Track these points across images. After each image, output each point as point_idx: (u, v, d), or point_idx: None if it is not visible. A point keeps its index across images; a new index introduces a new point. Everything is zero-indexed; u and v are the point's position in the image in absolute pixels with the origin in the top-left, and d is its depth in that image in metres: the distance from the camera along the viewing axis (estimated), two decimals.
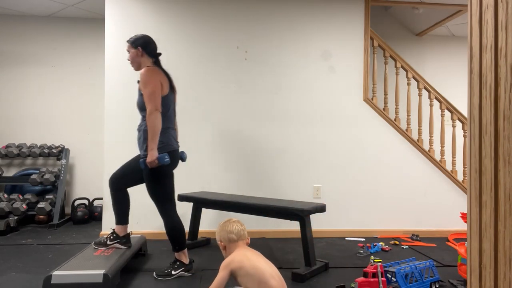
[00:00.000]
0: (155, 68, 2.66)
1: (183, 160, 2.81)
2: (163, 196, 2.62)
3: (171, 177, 2.67)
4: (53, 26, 4.79)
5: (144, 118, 2.63)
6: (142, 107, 2.61)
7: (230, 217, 2.17)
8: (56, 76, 4.80)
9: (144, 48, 2.67)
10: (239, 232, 2.05)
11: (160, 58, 2.76)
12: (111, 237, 2.73)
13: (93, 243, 2.75)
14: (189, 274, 2.66)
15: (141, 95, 2.60)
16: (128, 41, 2.70)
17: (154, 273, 2.64)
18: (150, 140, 2.48)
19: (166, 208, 2.62)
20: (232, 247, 2.02)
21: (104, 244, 2.71)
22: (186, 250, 2.69)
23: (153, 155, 2.47)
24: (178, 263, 2.65)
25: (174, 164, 2.68)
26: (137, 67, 2.70)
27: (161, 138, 2.55)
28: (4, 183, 4.51)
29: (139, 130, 2.68)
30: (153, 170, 2.54)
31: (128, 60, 2.71)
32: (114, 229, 2.77)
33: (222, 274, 1.92)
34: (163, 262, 2.94)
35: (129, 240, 2.78)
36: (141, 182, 2.74)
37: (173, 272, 2.61)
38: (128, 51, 2.70)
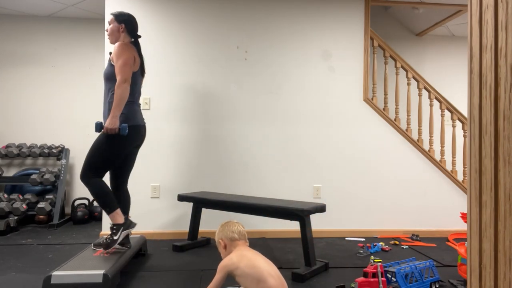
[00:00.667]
0: (130, 44, 2.72)
1: (143, 136, 2.79)
2: (99, 162, 2.59)
3: (120, 150, 2.63)
4: (53, 26, 4.79)
5: (110, 89, 2.65)
6: (109, 77, 2.64)
7: (230, 219, 2.19)
8: (56, 76, 4.80)
9: (126, 25, 2.73)
10: (241, 232, 2.09)
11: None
12: (114, 230, 2.64)
13: (92, 245, 2.69)
14: (130, 230, 2.65)
15: (110, 65, 2.64)
16: (112, 14, 2.74)
17: (92, 244, 2.64)
18: (114, 107, 2.50)
19: (90, 172, 2.58)
20: (232, 246, 2.04)
21: (112, 241, 2.58)
22: (118, 210, 2.63)
23: (115, 122, 2.49)
24: (115, 226, 2.61)
25: (136, 139, 2.70)
26: (114, 40, 2.74)
27: (125, 111, 2.58)
28: (4, 183, 4.51)
29: (105, 103, 2.68)
30: (110, 137, 2.54)
31: (106, 31, 2.75)
32: (110, 220, 2.68)
33: (218, 277, 1.93)
34: (163, 262, 2.94)
35: (128, 240, 2.76)
36: (112, 165, 2.71)
37: (115, 237, 2.56)
38: (110, 23, 2.74)
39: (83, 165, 2.61)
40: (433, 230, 3.98)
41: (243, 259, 1.93)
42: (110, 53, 2.72)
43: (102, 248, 2.59)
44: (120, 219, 2.63)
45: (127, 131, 2.55)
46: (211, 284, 1.93)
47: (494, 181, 0.83)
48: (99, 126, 2.55)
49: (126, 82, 2.54)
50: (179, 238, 3.63)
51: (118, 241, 2.58)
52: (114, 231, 2.60)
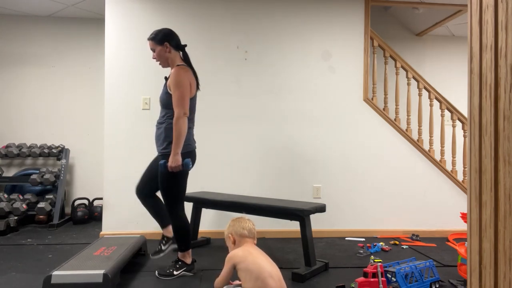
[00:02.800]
0: (187, 67, 2.60)
1: (194, 159, 2.75)
2: (176, 196, 2.60)
3: (186, 177, 2.65)
4: (53, 26, 4.79)
5: (165, 116, 2.58)
6: (166, 105, 2.56)
7: (230, 219, 2.21)
8: (56, 76, 4.80)
9: (169, 42, 2.59)
10: (251, 230, 2.13)
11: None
12: (163, 242, 2.72)
13: (156, 273, 2.64)
14: (190, 274, 2.66)
15: (166, 93, 2.55)
16: (150, 39, 2.59)
17: (156, 272, 2.63)
18: (175, 145, 2.43)
19: (176, 207, 2.60)
20: (241, 242, 2.07)
21: (170, 274, 2.61)
22: (190, 251, 2.68)
23: (177, 160, 2.44)
24: (180, 263, 2.64)
25: (193, 163, 2.68)
26: (166, 63, 2.62)
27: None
28: (4, 183, 4.51)
29: (158, 127, 2.62)
30: (173, 173, 2.51)
31: (154, 58, 2.62)
32: (163, 234, 2.77)
33: (226, 268, 2.01)
34: (163, 262, 2.94)
35: (194, 267, 2.72)
36: (185, 189, 2.72)
37: (175, 272, 2.60)
38: (153, 49, 2.60)
39: (166, 201, 2.60)
40: (433, 230, 3.98)
41: (249, 255, 1.96)
42: (166, 78, 2.61)
43: (158, 271, 2.64)
44: (189, 259, 2.67)
45: (190, 165, 2.52)
46: (220, 276, 2.03)
47: (494, 181, 0.83)
48: (163, 166, 2.49)
49: (185, 115, 2.46)
50: None
51: (175, 276, 2.60)
52: (178, 266, 2.63)
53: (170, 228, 2.76)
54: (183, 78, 2.50)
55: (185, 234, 2.63)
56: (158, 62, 2.64)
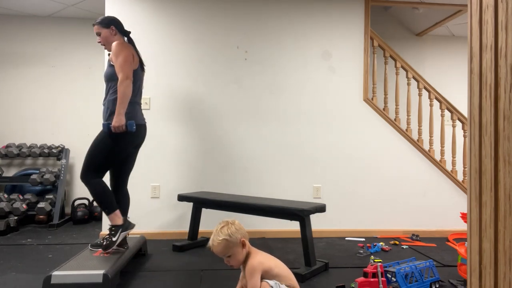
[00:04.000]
0: (126, 42, 2.72)
1: (142, 137, 2.78)
2: (98, 161, 2.58)
3: (123, 151, 2.63)
4: (53, 26, 4.79)
5: (109, 89, 2.65)
6: (110, 77, 2.63)
7: (230, 219, 2.12)
8: (56, 76, 4.80)
9: (116, 26, 2.72)
10: None
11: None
12: (113, 232, 2.63)
13: (89, 246, 2.68)
14: (129, 231, 2.64)
15: (109, 66, 2.64)
16: (96, 23, 2.70)
17: (89, 245, 2.61)
18: (119, 105, 2.49)
19: (90, 171, 2.57)
20: (249, 246, 1.97)
21: (111, 242, 2.57)
22: (118, 211, 2.62)
23: (121, 119, 2.48)
24: (113, 227, 2.60)
25: (137, 139, 2.69)
26: (111, 46, 2.70)
27: (128, 110, 2.56)
28: (4, 183, 4.51)
29: (104, 103, 2.67)
30: (115, 136, 2.52)
31: (99, 42, 2.72)
32: (109, 221, 2.67)
33: (257, 278, 1.84)
34: (163, 262, 2.94)
35: (125, 241, 2.73)
36: (112, 164, 2.71)
37: (114, 238, 2.55)
38: (99, 33, 2.70)
39: (83, 165, 2.61)
40: (433, 230, 3.98)
41: (272, 259, 1.95)
42: (109, 55, 2.71)
43: (101, 249, 2.58)
44: (119, 220, 2.63)
45: (134, 127, 2.54)
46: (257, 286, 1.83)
47: (494, 181, 0.83)
48: (106, 126, 2.52)
49: (128, 78, 2.54)
50: (179, 238, 3.63)
51: (117, 242, 2.57)
52: (113, 232, 2.59)
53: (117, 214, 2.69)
54: (123, 48, 2.62)
55: (104, 196, 2.58)
56: (104, 47, 2.75)
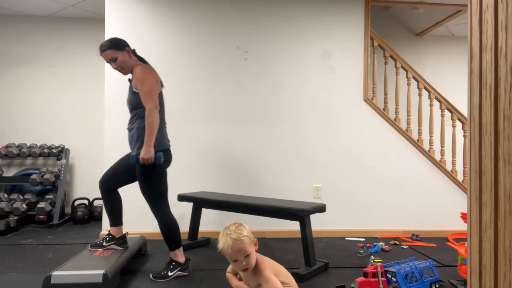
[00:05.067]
0: (148, 65, 2.64)
1: (169, 158, 2.73)
2: (156, 195, 2.59)
3: (164, 175, 2.64)
4: (53, 26, 4.79)
5: (135, 116, 2.59)
6: (135, 106, 2.56)
7: (230, 219, 2.10)
8: (56, 76, 4.80)
9: (129, 47, 2.60)
10: None
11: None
12: (107, 238, 2.72)
13: (89, 246, 2.72)
14: (185, 274, 2.64)
15: (133, 93, 2.55)
16: (107, 48, 2.53)
17: (151, 274, 2.61)
18: (147, 137, 2.44)
19: (158, 206, 2.59)
20: None
21: (100, 245, 2.69)
22: (181, 248, 2.66)
23: (150, 152, 2.45)
24: (173, 263, 2.63)
25: (168, 162, 2.67)
26: (130, 70, 2.61)
27: (156, 136, 2.52)
28: (4, 183, 4.51)
29: (130, 129, 2.63)
30: (147, 168, 2.51)
31: (115, 68, 2.57)
32: (109, 231, 2.76)
33: (275, 278, 1.81)
34: (163, 263, 2.93)
35: (125, 240, 2.77)
36: (132, 181, 2.71)
37: (169, 273, 2.58)
38: (114, 58, 2.53)
39: (148, 201, 2.60)
40: (433, 230, 3.98)
41: (276, 264, 1.93)
42: (130, 80, 2.61)
43: (157, 278, 2.58)
44: (181, 258, 2.65)
45: (162, 159, 2.52)
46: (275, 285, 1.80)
47: (494, 181, 0.83)
48: (135, 157, 2.49)
49: (156, 108, 2.47)
50: None
51: (170, 278, 2.58)
52: (172, 267, 2.61)
53: (119, 229, 2.75)
54: (148, 73, 2.53)
55: (174, 233, 2.61)
56: (120, 70, 2.60)
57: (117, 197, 2.77)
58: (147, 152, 2.44)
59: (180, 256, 2.65)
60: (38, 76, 4.78)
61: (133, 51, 2.67)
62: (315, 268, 2.72)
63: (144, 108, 2.51)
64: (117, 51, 2.54)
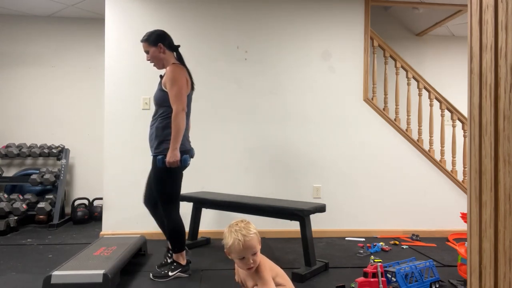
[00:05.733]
0: (182, 66, 2.61)
1: (191, 156, 2.72)
2: (170, 196, 2.58)
3: (180, 178, 2.63)
4: (53, 26, 4.79)
5: (158, 114, 2.57)
6: (160, 103, 2.54)
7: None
8: (56, 76, 4.80)
9: (163, 43, 2.57)
10: None
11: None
12: (173, 267, 2.61)
13: (151, 275, 2.59)
14: (186, 275, 2.64)
15: (161, 90, 2.53)
16: (143, 41, 2.59)
17: (151, 274, 2.61)
18: (173, 139, 2.43)
19: (170, 208, 2.59)
20: None
21: (165, 275, 2.58)
22: (184, 252, 2.67)
23: (176, 155, 2.43)
24: (175, 264, 2.62)
25: (186, 165, 2.66)
26: (161, 65, 2.61)
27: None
28: (4, 183, 4.51)
29: (151, 126, 2.60)
30: (167, 169, 2.49)
31: (148, 60, 2.60)
32: (173, 257, 2.65)
33: (272, 282, 1.80)
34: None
35: (189, 267, 2.68)
36: (180, 189, 2.69)
37: (170, 274, 2.58)
38: (147, 51, 2.58)
39: (160, 201, 2.58)
40: (433, 230, 3.98)
41: (273, 265, 1.93)
42: (161, 76, 2.60)
43: (158, 277, 2.57)
44: (183, 261, 2.64)
45: (189, 161, 2.51)
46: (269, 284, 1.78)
47: (494, 181, 0.83)
48: (161, 161, 2.47)
49: (183, 110, 2.46)
50: None
51: (170, 278, 2.57)
52: (173, 267, 2.60)
53: (182, 254, 2.68)
54: (179, 74, 2.50)
55: (179, 235, 2.61)
56: (153, 64, 2.64)
57: None
58: (173, 155, 2.43)
59: (182, 258, 2.65)
60: (38, 76, 4.78)
61: (174, 47, 2.64)
62: (315, 268, 2.72)
63: (167, 108, 2.51)
64: (149, 45, 2.57)
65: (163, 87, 2.53)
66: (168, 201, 2.59)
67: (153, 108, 3.71)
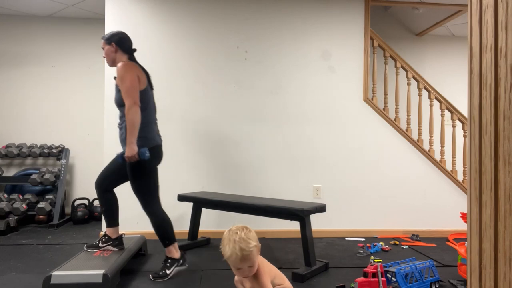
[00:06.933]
0: (131, 62, 2.65)
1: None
2: (146, 192, 2.59)
3: (154, 172, 2.63)
4: (53, 26, 4.79)
5: (123, 114, 2.60)
6: (121, 103, 2.58)
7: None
8: (56, 76, 4.80)
9: (118, 44, 2.66)
10: None
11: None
12: (103, 240, 2.72)
13: (85, 247, 2.72)
14: (184, 267, 2.63)
15: (118, 91, 2.58)
16: (102, 38, 2.70)
17: (150, 275, 2.60)
18: (129, 134, 2.45)
19: (148, 203, 2.59)
20: None
21: (96, 246, 2.69)
22: (176, 244, 2.65)
23: (132, 149, 2.45)
24: (169, 260, 2.62)
25: (158, 159, 2.67)
26: (112, 63, 2.69)
27: (143, 133, 2.53)
28: (4, 183, 4.51)
29: (120, 127, 2.65)
30: (136, 165, 2.51)
31: (104, 56, 2.71)
32: (106, 232, 2.76)
33: (269, 283, 1.78)
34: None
35: (121, 242, 2.75)
36: (126, 180, 2.72)
37: (167, 272, 2.57)
38: (103, 48, 2.69)
39: (139, 198, 2.60)
40: (433, 230, 3.98)
41: (272, 267, 1.93)
42: (115, 78, 2.64)
43: (157, 278, 2.57)
44: (177, 254, 2.64)
45: (147, 154, 2.50)
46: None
47: (494, 181, 0.83)
48: (120, 156, 2.50)
49: (135, 104, 2.48)
50: (179, 238, 3.60)
51: (170, 276, 2.57)
52: (168, 265, 2.60)
53: (115, 230, 2.75)
54: (127, 70, 2.54)
55: (166, 229, 2.60)
56: (105, 60, 2.72)
57: (113, 198, 2.77)
58: (130, 150, 2.45)
59: (175, 252, 2.63)
60: (38, 76, 4.78)
61: (129, 50, 2.70)
62: (315, 268, 2.72)
63: None
64: (104, 42, 2.68)
65: (119, 87, 2.58)
66: (145, 196, 2.58)
67: None
